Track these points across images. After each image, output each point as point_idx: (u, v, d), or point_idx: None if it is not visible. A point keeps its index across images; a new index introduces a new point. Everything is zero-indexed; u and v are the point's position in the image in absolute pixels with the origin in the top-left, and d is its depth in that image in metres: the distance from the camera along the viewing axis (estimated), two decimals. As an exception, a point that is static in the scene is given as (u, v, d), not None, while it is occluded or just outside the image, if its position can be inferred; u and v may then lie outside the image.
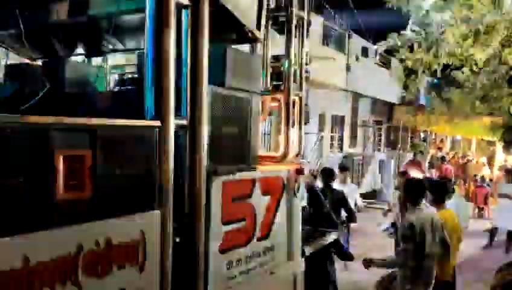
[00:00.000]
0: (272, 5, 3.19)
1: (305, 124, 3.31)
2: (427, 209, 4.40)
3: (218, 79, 2.46)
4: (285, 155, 3.09)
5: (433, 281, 4.05)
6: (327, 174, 6.25)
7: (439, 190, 4.66)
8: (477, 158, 18.89)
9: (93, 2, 2.69)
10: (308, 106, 3.44)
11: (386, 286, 4.23)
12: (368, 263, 4.14)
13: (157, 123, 2.03)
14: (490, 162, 18.51)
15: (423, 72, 8.49)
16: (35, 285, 1.59)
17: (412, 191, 4.11)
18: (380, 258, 4.29)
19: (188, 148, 2.21)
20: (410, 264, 3.90)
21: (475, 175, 14.74)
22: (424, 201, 4.37)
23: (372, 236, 8.94)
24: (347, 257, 5.14)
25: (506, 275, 2.96)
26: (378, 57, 15.41)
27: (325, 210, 5.00)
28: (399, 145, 19.09)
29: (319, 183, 6.26)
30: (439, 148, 22.10)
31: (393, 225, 6.28)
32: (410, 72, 9.50)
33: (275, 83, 3.34)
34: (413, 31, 7.57)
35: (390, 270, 4.32)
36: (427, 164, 17.17)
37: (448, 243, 4.09)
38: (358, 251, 6.43)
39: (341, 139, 15.97)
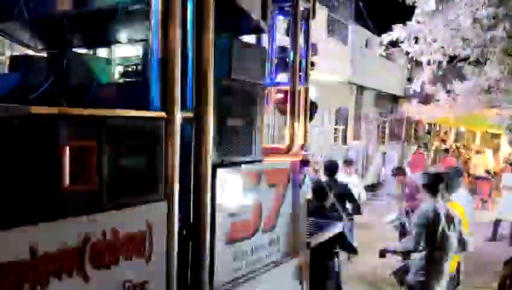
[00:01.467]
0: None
1: (311, 119, 3.30)
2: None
3: (224, 70, 2.44)
4: (290, 147, 3.08)
5: (447, 274, 4.07)
6: (331, 167, 6.26)
7: (447, 182, 4.66)
8: (481, 150, 18.79)
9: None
10: (316, 101, 3.42)
11: (400, 276, 4.27)
12: (383, 252, 4.20)
13: (163, 115, 2.03)
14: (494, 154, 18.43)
15: (428, 64, 8.43)
16: (42, 276, 1.59)
17: (429, 182, 4.15)
18: (392, 246, 4.35)
19: (194, 140, 2.20)
20: (421, 250, 3.92)
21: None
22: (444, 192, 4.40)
23: (375, 228, 8.95)
24: (351, 250, 5.14)
25: None
26: (382, 49, 15.28)
27: (330, 202, 5.00)
28: (403, 138, 19.03)
29: (322, 176, 6.27)
30: (443, 141, 22.02)
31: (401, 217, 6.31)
32: (415, 64, 9.45)
33: (280, 74, 3.31)
34: (419, 22, 7.50)
35: (403, 263, 4.36)
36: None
37: (466, 239, 4.13)
38: (361, 242, 6.43)
39: (345, 131, 15.93)
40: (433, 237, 3.92)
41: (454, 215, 4.10)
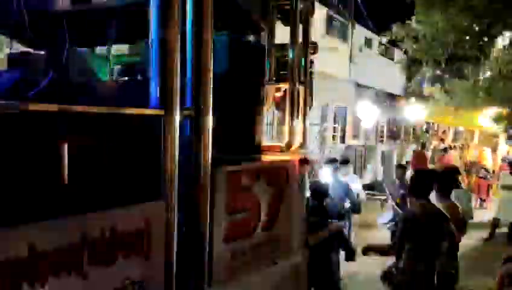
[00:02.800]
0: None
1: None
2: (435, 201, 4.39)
3: (223, 68, 2.44)
4: (289, 145, 3.07)
5: (434, 274, 4.06)
6: (331, 165, 6.27)
7: (445, 182, 4.64)
8: (479, 148, 18.79)
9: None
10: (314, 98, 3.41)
11: (388, 278, 4.25)
12: (366, 250, 4.16)
13: (162, 112, 2.02)
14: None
15: (427, 63, 8.44)
16: (41, 274, 1.59)
17: (418, 184, 4.09)
18: (376, 244, 4.29)
19: (193, 137, 2.20)
20: (407, 255, 3.90)
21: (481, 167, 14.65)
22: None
23: (373, 227, 8.96)
24: (349, 252, 5.11)
25: None
26: (382, 48, 15.30)
27: (329, 201, 5.00)
28: (401, 137, 19.05)
29: (321, 175, 6.28)
30: (442, 140, 22.03)
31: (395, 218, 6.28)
32: (414, 63, 9.47)
33: (279, 72, 3.31)
34: (419, 21, 7.52)
35: (392, 263, 4.34)
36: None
37: (455, 235, 4.09)
38: (358, 242, 6.44)
39: (343, 130, 15.94)
40: (419, 240, 3.87)
41: (442, 216, 4.07)
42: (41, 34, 3.10)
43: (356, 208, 6.38)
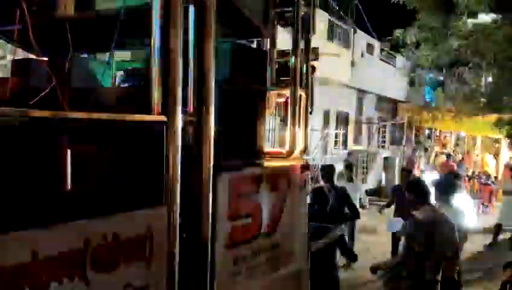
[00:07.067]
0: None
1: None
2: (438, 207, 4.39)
3: (225, 74, 2.45)
4: (291, 151, 3.08)
5: (439, 279, 4.04)
6: (329, 172, 6.29)
7: (445, 188, 4.65)
8: (482, 154, 18.79)
9: (100, -3, 2.68)
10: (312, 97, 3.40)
11: (392, 286, 4.24)
12: (375, 268, 4.17)
13: (164, 118, 2.03)
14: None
15: (429, 68, 8.45)
16: (43, 279, 1.59)
17: (418, 190, 4.10)
18: (384, 261, 4.31)
19: (194, 143, 2.21)
20: (413, 262, 3.90)
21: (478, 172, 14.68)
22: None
23: (376, 233, 8.94)
24: (351, 255, 5.11)
25: None
26: (383, 53, 15.34)
27: (330, 207, 5.00)
28: (403, 142, 19.04)
29: (322, 181, 6.28)
30: (444, 146, 22.02)
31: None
32: (415, 69, 9.48)
33: (281, 78, 3.32)
34: (420, 26, 7.54)
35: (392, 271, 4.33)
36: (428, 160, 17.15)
37: (457, 243, 4.08)
38: (361, 247, 6.42)
39: (345, 136, 15.94)
40: (427, 247, 3.87)
41: (448, 221, 4.06)
42: (45, 41, 3.12)
43: (355, 214, 6.37)
